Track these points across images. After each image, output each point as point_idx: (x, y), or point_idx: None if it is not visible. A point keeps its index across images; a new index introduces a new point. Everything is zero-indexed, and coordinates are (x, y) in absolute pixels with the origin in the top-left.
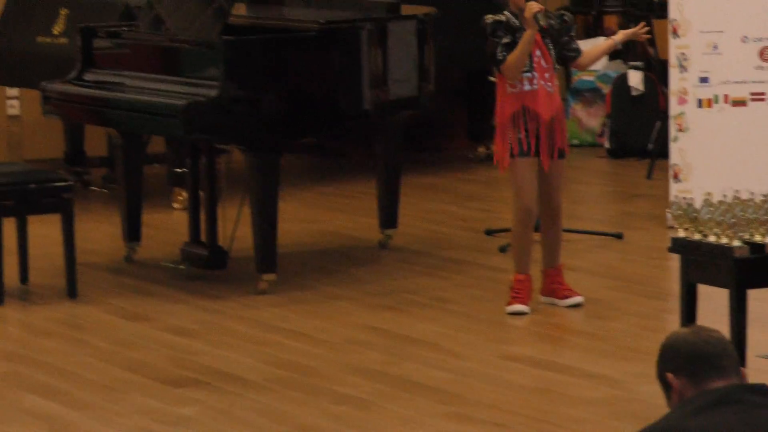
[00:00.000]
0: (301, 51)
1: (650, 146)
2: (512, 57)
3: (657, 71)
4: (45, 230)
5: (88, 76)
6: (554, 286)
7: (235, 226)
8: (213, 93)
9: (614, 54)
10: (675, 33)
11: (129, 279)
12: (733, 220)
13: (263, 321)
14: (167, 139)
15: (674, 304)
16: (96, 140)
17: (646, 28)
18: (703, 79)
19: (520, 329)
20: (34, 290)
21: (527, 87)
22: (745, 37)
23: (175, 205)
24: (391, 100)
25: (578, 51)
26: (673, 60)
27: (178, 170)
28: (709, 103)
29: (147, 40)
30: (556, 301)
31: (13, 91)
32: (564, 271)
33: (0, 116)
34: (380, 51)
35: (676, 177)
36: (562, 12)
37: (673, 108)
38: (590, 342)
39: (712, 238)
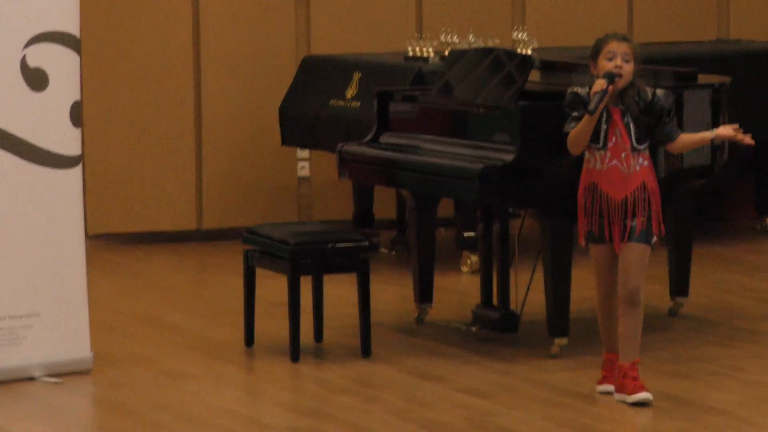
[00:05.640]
0: None
1: None
2: (574, 132)
3: None
4: (339, 290)
5: (384, 139)
6: (625, 381)
7: (527, 290)
8: (509, 158)
9: None
10: None
11: (421, 340)
12: None
13: (556, 385)
14: (456, 203)
15: None
16: (384, 203)
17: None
18: None
19: None
20: (328, 348)
21: (598, 165)
22: None
23: (464, 269)
24: (686, 168)
25: (669, 136)
26: None
27: (467, 234)
28: None
29: (443, 104)
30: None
31: (303, 153)
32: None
33: (291, 178)
34: (676, 118)
35: None
36: (655, 92)
37: None
38: None
39: None
